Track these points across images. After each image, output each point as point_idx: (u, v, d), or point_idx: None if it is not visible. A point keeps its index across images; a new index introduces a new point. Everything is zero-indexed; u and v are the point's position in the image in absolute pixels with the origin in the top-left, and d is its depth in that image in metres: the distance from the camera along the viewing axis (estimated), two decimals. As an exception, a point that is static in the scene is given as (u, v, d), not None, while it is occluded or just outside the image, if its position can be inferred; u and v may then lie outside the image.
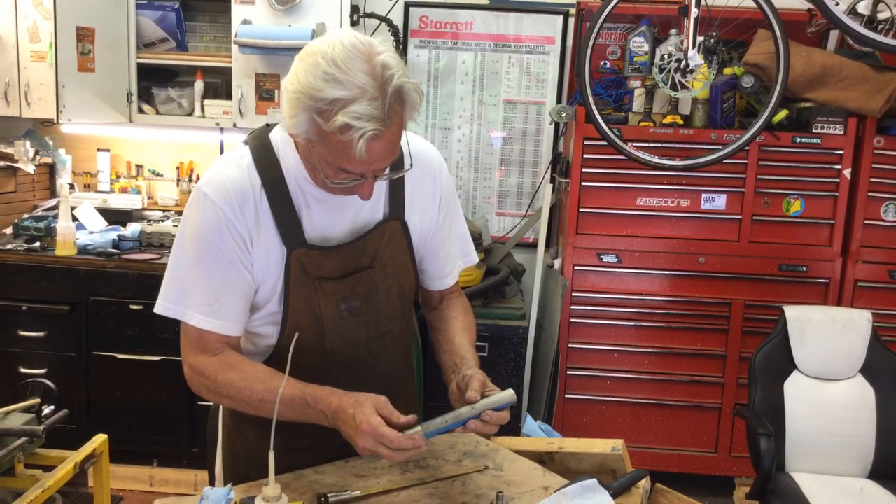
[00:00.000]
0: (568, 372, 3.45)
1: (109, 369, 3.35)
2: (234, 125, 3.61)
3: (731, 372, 3.43)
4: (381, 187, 1.50)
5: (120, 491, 3.34)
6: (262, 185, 1.41)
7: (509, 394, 1.37)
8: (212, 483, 1.66)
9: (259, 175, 1.41)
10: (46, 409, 2.25)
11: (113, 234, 3.52)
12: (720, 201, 3.35)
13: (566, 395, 3.46)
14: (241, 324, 1.45)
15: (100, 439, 2.20)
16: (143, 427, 3.39)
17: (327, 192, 1.40)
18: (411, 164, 1.43)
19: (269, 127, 1.49)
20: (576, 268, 3.40)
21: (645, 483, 1.52)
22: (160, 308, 1.42)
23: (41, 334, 3.34)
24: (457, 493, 1.42)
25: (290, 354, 1.24)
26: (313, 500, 1.37)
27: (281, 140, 1.44)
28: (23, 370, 3.36)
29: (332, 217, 1.46)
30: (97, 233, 3.55)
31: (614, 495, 1.44)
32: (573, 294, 3.41)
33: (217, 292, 1.40)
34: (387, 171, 1.37)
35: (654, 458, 3.47)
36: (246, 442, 1.55)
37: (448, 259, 1.65)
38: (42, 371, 3.36)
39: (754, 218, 3.35)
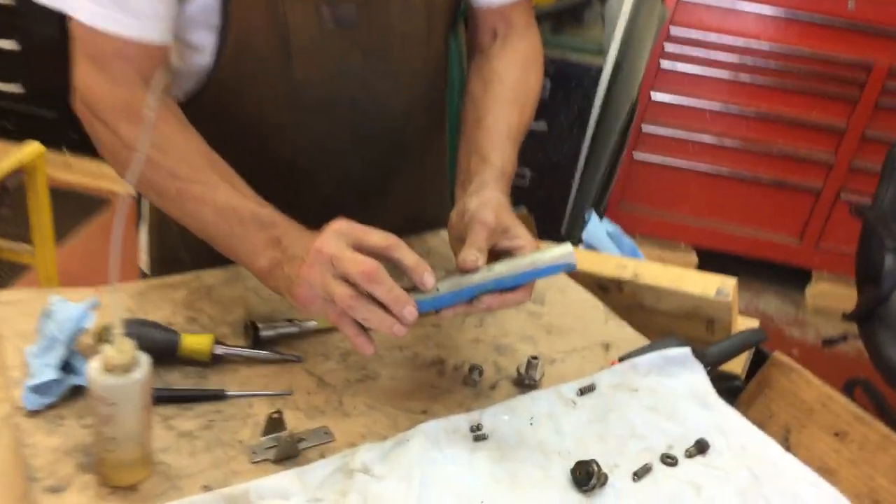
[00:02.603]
0: (643, 128, 2.83)
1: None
2: None
3: (847, 152, 2.78)
4: None
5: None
6: None
7: (563, 252, 0.78)
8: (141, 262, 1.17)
9: None
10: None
11: None
12: (899, -77, 2.46)
13: (634, 155, 2.88)
14: (159, 22, 0.85)
15: (33, 150, 1.71)
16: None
17: None
18: None
19: None
20: (681, -5, 2.63)
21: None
22: None
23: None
24: (467, 340, 0.92)
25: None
26: (239, 329, 0.88)
27: None
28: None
29: None
30: None
31: (711, 368, 0.93)
32: (671, 30, 2.68)
33: None
34: None
35: (724, 237, 2.99)
36: None
37: None
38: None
39: (939, -47, 2.48)
